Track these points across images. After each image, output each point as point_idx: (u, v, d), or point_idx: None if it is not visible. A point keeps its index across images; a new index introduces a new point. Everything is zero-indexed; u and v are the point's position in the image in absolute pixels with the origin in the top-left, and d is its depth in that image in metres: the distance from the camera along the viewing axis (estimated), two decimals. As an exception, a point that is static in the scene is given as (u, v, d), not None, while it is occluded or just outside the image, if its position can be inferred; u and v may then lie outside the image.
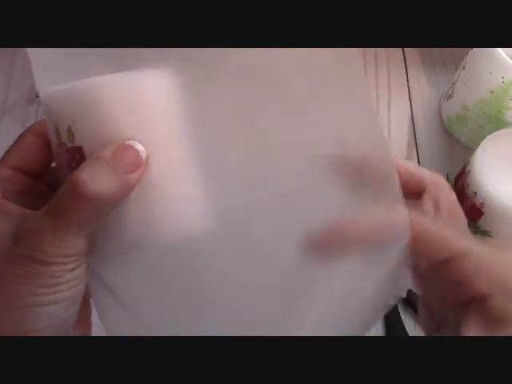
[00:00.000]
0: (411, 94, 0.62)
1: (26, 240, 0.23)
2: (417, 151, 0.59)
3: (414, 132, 0.60)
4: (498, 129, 0.49)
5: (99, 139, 0.24)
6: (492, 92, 0.49)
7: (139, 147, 0.24)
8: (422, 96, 0.62)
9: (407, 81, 0.63)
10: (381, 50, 0.66)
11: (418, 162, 0.58)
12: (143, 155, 0.24)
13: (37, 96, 0.61)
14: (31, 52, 0.27)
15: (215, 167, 0.26)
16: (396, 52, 0.66)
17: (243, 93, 0.26)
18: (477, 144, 0.48)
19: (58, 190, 0.27)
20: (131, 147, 0.24)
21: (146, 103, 0.25)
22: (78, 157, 0.24)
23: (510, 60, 0.46)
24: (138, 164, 0.24)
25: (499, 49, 0.46)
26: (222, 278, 0.27)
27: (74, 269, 0.24)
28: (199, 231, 0.26)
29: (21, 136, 0.28)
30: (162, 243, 0.25)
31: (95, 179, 0.23)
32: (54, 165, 0.29)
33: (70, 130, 0.24)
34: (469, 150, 0.56)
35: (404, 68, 0.64)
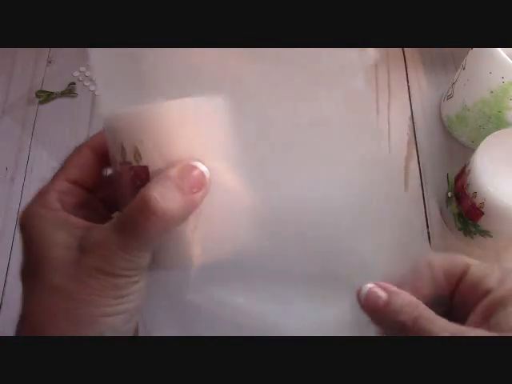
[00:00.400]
0: (411, 94, 0.62)
1: (95, 253, 0.24)
2: (417, 151, 0.59)
3: (414, 132, 0.60)
4: (497, 129, 0.49)
5: (165, 159, 0.25)
6: (492, 92, 0.49)
7: (203, 168, 0.25)
8: (421, 96, 0.62)
9: (407, 81, 0.63)
10: (381, 50, 0.66)
11: (418, 162, 0.58)
12: (207, 175, 0.25)
13: (37, 96, 0.61)
14: (98, 74, 0.29)
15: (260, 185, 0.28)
16: (396, 52, 0.66)
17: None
18: (477, 144, 0.48)
19: (110, 203, 0.29)
20: (196, 167, 0.25)
21: (209, 126, 0.27)
22: (143, 176, 0.26)
23: (510, 60, 0.46)
24: (203, 183, 0.25)
25: (499, 49, 0.46)
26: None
27: (137, 281, 0.26)
28: (249, 246, 0.28)
29: (78, 149, 0.30)
30: (220, 258, 0.27)
31: (165, 197, 0.24)
32: (107, 176, 0.30)
33: (137, 150, 0.26)
34: (469, 149, 0.56)
35: (404, 68, 0.64)
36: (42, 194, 0.28)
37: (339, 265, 0.30)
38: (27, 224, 0.26)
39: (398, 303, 0.26)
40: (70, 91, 0.62)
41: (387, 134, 0.60)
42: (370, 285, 0.27)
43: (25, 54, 0.65)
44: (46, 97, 0.62)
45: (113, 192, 0.29)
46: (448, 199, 0.52)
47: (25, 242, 0.26)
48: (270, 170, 0.29)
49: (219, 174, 0.26)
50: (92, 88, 0.63)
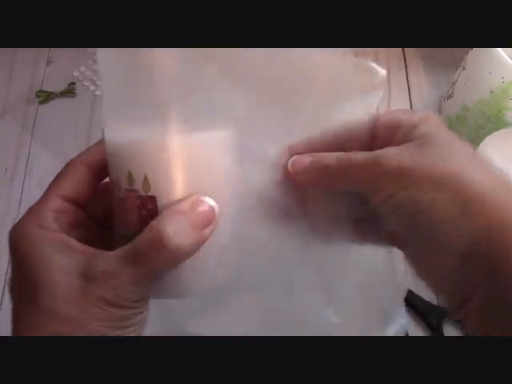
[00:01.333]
0: (411, 94, 0.62)
1: (103, 283, 0.24)
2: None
3: (414, 132, 0.60)
4: (497, 129, 0.49)
5: (174, 192, 0.26)
6: (492, 92, 0.49)
7: (212, 203, 0.26)
8: (422, 96, 0.62)
9: (407, 81, 0.63)
10: (381, 50, 0.66)
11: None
12: (216, 210, 0.26)
13: (37, 96, 0.62)
14: (106, 100, 0.28)
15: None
16: (396, 52, 0.66)
17: None
18: (477, 144, 0.48)
19: (99, 220, 0.29)
20: (206, 203, 0.26)
21: (218, 162, 0.27)
22: (150, 206, 0.26)
23: (510, 60, 0.46)
24: (212, 219, 0.26)
25: (499, 49, 0.46)
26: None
27: (142, 312, 0.26)
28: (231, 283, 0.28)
29: (71, 165, 0.29)
30: (210, 292, 0.28)
31: (178, 233, 0.24)
32: (99, 192, 0.30)
33: (146, 179, 0.26)
34: (469, 149, 0.56)
35: (404, 68, 0.64)
36: (36, 212, 0.27)
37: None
38: (23, 244, 0.25)
39: (321, 155, 0.28)
40: (70, 91, 0.62)
41: (387, 134, 0.60)
42: (293, 158, 0.29)
43: (25, 54, 0.65)
44: (45, 97, 0.62)
45: (103, 209, 0.29)
46: (448, 199, 0.52)
47: (17, 261, 0.25)
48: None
49: (227, 207, 0.27)
50: (92, 88, 0.63)
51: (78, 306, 0.24)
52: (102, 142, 0.28)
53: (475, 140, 0.55)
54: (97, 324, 0.24)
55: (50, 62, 0.65)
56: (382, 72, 0.30)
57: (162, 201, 0.26)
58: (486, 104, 0.51)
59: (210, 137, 0.27)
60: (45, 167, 0.58)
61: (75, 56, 0.64)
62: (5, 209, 0.55)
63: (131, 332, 0.25)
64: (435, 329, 0.48)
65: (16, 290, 0.26)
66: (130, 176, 0.26)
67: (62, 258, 0.25)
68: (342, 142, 0.28)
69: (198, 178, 0.26)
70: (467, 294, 0.25)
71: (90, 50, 0.65)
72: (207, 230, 0.25)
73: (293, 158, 0.29)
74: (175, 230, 0.24)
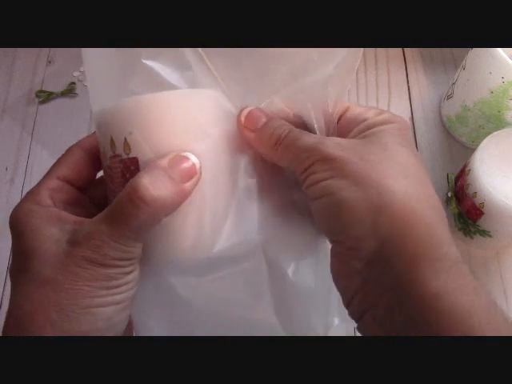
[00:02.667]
0: (411, 94, 0.62)
1: (84, 243, 0.24)
2: (417, 151, 0.59)
3: (414, 132, 0.60)
4: (497, 129, 0.49)
5: (155, 150, 0.25)
6: (492, 92, 0.49)
7: (194, 159, 0.25)
8: (421, 96, 0.62)
9: (407, 81, 0.63)
10: (381, 50, 0.66)
11: (418, 162, 0.58)
12: (197, 166, 0.26)
13: (37, 96, 0.62)
14: (89, 72, 0.29)
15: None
16: (396, 52, 0.66)
17: None
18: (477, 144, 0.48)
19: (100, 203, 0.29)
20: (186, 158, 0.25)
21: (198, 118, 0.27)
22: (132, 168, 0.26)
23: (510, 60, 0.46)
24: (193, 173, 0.25)
25: (499, 49, 0.46)
26: None
27: (130, 272, 0.26)
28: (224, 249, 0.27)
29: (69, 149, 0.30)
30: (210, 252, 0.27)
31: (155, 185, 0.24)
32: (99, 177, 0.31)
33: (126, 141, 0.26)
34: (469, 149, 0.56)
35: (404, 68, 0.64)
36: (33, 192, 0.28)
37: None
38: (19, 220, 0.27)
39: (276, 123, 0.28)
40: (70, 91, 0.62)
41: (387, 134, 0.60)
42: (251, 108, 0.28)
43: (25, 54, 0.65)
44: (45, 97, 0.62)
45: (104, 192, 0.29)
46: (448, 199, 0.52)
47: (15, 237, 0.26)
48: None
49: (211, 164, 0.26)
50: (92, 88, 0.63)
51: (62, 268, 0.24)
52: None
53: (475, 140, 0.55)
54: (82, 284, 0.24)
55: (49, 62, 0.65)
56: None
57: (143, 161, 0.26)
58: (486, 104, 0.51)
59: (187, 92, 0.27)
60: (45, 167, 0.57)
61: (75, 56, 0.64)
62: (5, 209, 0.55)
63: (120, 293, 0.25)
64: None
65: (12, 264, 0.26)
66: (112, 142, 0.26)
67: (53, 229, 0.25)
68: (304, 117, 0.29)
69: (176, 135, 0.26)
70: (371, 300, 0.24)
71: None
72: (188, 184, 0.25)
73: (248, 110, 0.28)
74: (152, 182, 0.24)
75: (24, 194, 0.55)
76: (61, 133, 0.60)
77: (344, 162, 0.25)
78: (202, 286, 0.29)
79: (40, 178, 0.58)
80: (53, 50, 0.65)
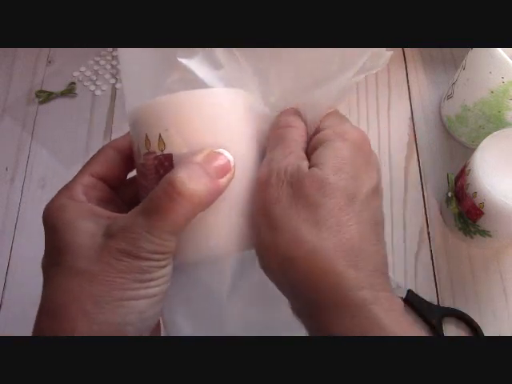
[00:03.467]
0: (411, 94, 0.62)
1: (119, 236, 0.24)
2: (417, 151, 0.59)
3: (414, 132, 0.60)
4: (497, 129, 0.49)
5: (189, 147, 0.26)
6: (492, 92, 0.49)
7: (228, 155, 0.26)
8: (421, 96, 0.62)
9: (407, 81, 0.63)
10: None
11: (418, 162, 0.58)
12: (232, 162, 0.26)
13: (37, 96, 0.62)
14: (124, 72, 0.29)
15: None
16: (396, 52, 0.66)
17: None
18: (477, 144, 0.48)
19: (131, 202, 0.29)
20: (221, 154, 0.26)
21: (231, 117, 0.27)
22: (166, 164, 0.26)
23: (510, 60, 0.46)
24: (227, 170, 0.26)
25: (499, 49, 0.46)
26: None
27: (164, 266, 0.26)
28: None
29: (101, 149, 0.30)
30: (245, 249, 0.27)
31: (191, 178, 0.24)
32: (131, 178, 0.31)
33: (160, 138, 0.26)
34: (469, 149, 0.56)
35: (404, 68, 0.64)
36: (67, 188, 0.28)
37: None
38: (52, 214, 0.27)
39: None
40: (70, 91, 0.62)
41: (387, 134, 0.60)
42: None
43: (25, 54, 0.65)
44: (45, 97, 0.62)
45: (135, 193, 0.30)
46: (448, 199, 0.52)
47: (49, 232, 0.26)
48: None
49: (243, 162, 0.27)
50: (92, 88, 0.63)
51: (97, 260, 0.24)
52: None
53: (475, 140, 0.55)
54: (116, 275, 0.24)
55: (49, 62, 0.65)
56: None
57: (177, 157, 0.26)
58: (486, 104, 0.51)
59: (221, 91, 0.28)
60: (45, 167, 0.58)
61: (75, 56, 0.64)
62: (5, 209, 0.55)
63: (153, 287, 0.25)
64: (435, 329, 0.48)
65: (45, 259, 0.26)
66: (146, 139, 0.27)
67: (87, 223, 0.25)
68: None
69: (210, 133, 0.27)
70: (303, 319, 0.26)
71: (91, 49, 0.65)
72: (223, 180, 0.25)
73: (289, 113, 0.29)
74: (189, 176, 0.24)
75: (24, 193, 0.56)
76: (61, 133, 0.60)
77: (273, 201, 0.25)
78: (237, 283, 0.29)
79: (40, 178, 0.58)
80: (53, 49, 0.65)
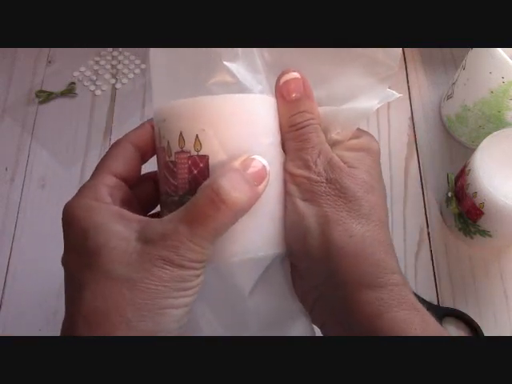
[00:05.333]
0: (411, 94, 0.62)
1: (160, 243, 0.24)
2: (417, 151, 0.59)
3: (414, 132, 0.60)
4: (497, 129, 0.49)
5: (226, 150, 0.26)
6: (492, 92, 0.49)
7: (263, 161, 0.26)
8: (421, 96, 0.62)
9: (407, 81, 0.63)
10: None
11: (418, 162, 0.58)
12: (267, 168, 0.26)
13: (37, 96, 0.61)
14: (155, 68, 0.29)
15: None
16: (396, 52, 0.66)
17: None
18: (477, 144, 0.48)
19: (144, 200, 0.30)
20: (257, 160, 0.26)
21: (267, 123, 0.28)
22: (201, 165, 0.26)
23: (510, 60, 0.46)
24: (264, 176, 0.26)
25: (499, 49, 0.46)
26: None
27: (200, 274, 0.26)
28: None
29: (119, 144, 0.29)
30: (263, 255, 0.28)
31: (235, 187, 0.25)
32: (144, 174, 0.31)
33: (197, 138, 0.26)
34: (469, 149, 0.56)
35: (404, 68, 0.64)
36: (90, 188, 0.27)
37: None
38: (78, 216, 0.26)
39: (303, 107, 0.29)
40: (70, 91, 0.62)
41: (387, 134, 0.60)
42: (295, 75, 0.29)
43: (25, 54, 0.65)
44: (46, 97, 0.62)
45: (148, 190, 0.30)
46: (448, 199, 0.52)
47: (76, 232, 0.25)
48: None
49: (275, 166, 0.28)
50: (92, 88, 0.63)
51: (138, 267, 0.24)
52: (143, 124, 0.30)
53: (475, 140, 0.55)
54: (158, 283, 0.24)
55: (49, 62, 0.65)
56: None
57: (213, 159, 0.26)
58: (486, 104, 0.51)
59: (255, 99, 0.28)
60: (45, 167, 0.58)
61: (75, 56, 0.64)
62: (5, 208, 0.55)
63: (190, 295, 0.25)
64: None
65: (73, 260, 0.26)
66: (181, 137, 0.27)
67: (118, 226, 0.25)
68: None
69: (248, 137, 0.27)
70: (326, 314, 0.28)
71: (91, 49, 0.65)
72: (261, 187, 0.26)
73: (291, 77, 0.29)
74: (232, 184, 0.25)
75: (24, 193, 0.56)
76: (61, 133, 0.60)
77: (324, 193, 0.27)
78: (260, 284, 0.29)
79: (40, 178, 0.58)
80: (53, 49, 0.65)
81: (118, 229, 0.25)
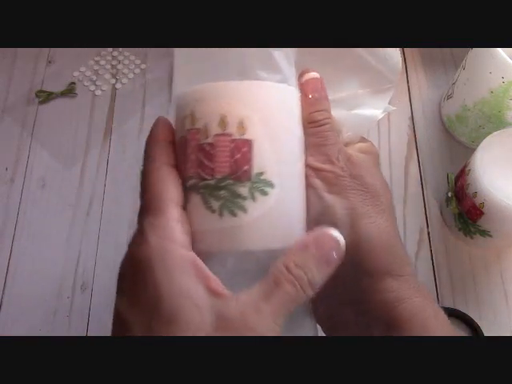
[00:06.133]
0: (411, 94, 0.62)
1: (239, 323, 0.24)
2: (417, 151, 0.59)
3: (414, 132, 0.60)
4: (497, 129, 0.49)
5: (270, 136, 0.26)
6: (492, 92, 0.49)
7: (339, 237, 0.26)
8: (421, 96, 0.62)
9: (407, 81, 0.63)
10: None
11: (418, 162, 0.58)
12: (341, 242, 0.26)
13: (37, 96, 0.61)
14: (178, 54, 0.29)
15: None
16: (396, 52, 0.66)
17: None
18: (477, 144, 0.48)
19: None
20: (334, 239, 0.26)
21: (298, 114, 0.28)
22: (245, 150, 0.26)
23: (510, 60, 0.46)
24: (339, 257, 0.26)
25: (499, 49, 0.46)
26: None
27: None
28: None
29: (158, 170, 0.27)
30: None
31: (315, 272, 0.25)
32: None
33: (242, 121, 0.26)
34: (469, 149, 0.56)
35: (404, 68, 0.64)
36: (161, 225, 0.25)
37: None
38: (152, 261, 0.24)
39: (321, 106, 0.29)
40: (70, 91, 0.62)
41: (387, 134, 0.60)
42: (314, 75, 0.30)
43: (25, 54, 0.65)
44: (45, 97, 0.62)
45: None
46: (448, 199, 0.52)
47: (146, 283, 0.24)
48: None
49: (303, 161, 0.28)
50: (92, 88, 0.63)
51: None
52: (159, 141, 0.27)
53: (475, 140, 0.55)
54: None
55: (50, 62, 0.65)
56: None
57: (257, 145, 0.26)
58: (486, 104, 0.51)
59: (294, 91, 0.29)
60: (45, 167, 0.58)
61: (75, 56, 0.64)
62: (5, 209, 0.55)
63: None
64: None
65: (138, 314, 0.24)
66: (222, 119, 0.26)
67: (193, 287, 0.24)
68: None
69: (290, 126, 0.27)
70: (335, 309, 0.30)
71: (91, 49, 0.65)
72: (330, 269, 0.26)
73: (311, 77, 0.29)
74: (312, 268, 0.25)
75: (24, 193, 0.56)
76: (61, 133, 0.60)
77: (349, 187, 0.28)
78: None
79: (40, 178, 0.58)
80: (53, 49, 0.65)
81: (193, 292, 0.24)
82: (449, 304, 0.50)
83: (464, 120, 0.56)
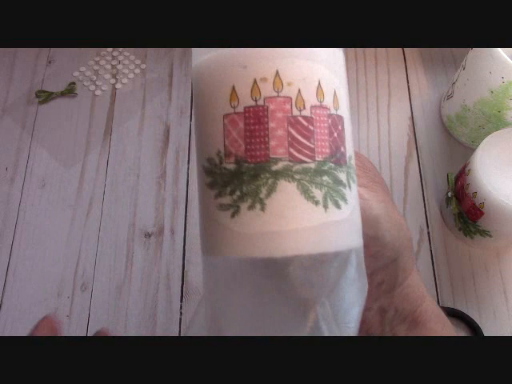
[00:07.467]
0: (411, 94, 0.63)
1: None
2: (417, 151, 0.59)
3: (414, 132, 0.60)
4: (497, 129, 0.49)
5: (348, 112, 0.23)
6: (492, 92, 0.49)
7: None
8: (421, 96, 0.62)
9: (407, 81, 0.63)
10: (381, 50, 0.66)
11: (418, 162, 0.58)
12: None
13: (37, 96, 0.62)
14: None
15: None
16: (396, 52, 0.66)
17: None
18: (477, 144, 0.48)
19: None
20: None
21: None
22: (339, 128, 0.22)
23: (510, 60, 0.46)
24: None
25: (499, 49, 0.46)
26: None
27: None
28: None
29: None
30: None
31: None
32: None
33: (336, 95, 0.22)
34: (469, 149, 0.57)
35: (404, 68, 0.64)
36: None
37: None
38: None
39: None
40: (69, 91, 0.62)
41: (387, 134, 0.60)
42: None
43: (25, 54, 0.65)
44: (46, 97, 0.62)
45: None
46: (448, 199, 0.52)
47: None
48: None
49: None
50: (92, 88, 0.63)
51: None
52: None
53: (475, 140, 0.55)
54: None
55: (50, 62, 0.65)
56: None
57: (346, 122, 0.22)
58: (486, 104, 0.51)
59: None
60: (45, 167, 0.58)
61: (75, 56, 0.64)
62: (5, 209, 0.55)
63: None
64: (435, 329, 0.48)
65: None
66: (319, 89, 0.21)
67: None
68: None
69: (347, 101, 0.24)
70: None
71: (91, 49, 0.65)
72: None
73: None
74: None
75: (24, 193, 0.56)
76: (61, 133, 0.60)
77: (373, 180, 0.28)
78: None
79: (40, 178, 0.58)
80: (53, 49, 0.66)
81: None
82: (449, 304, 0.50)
83: (464, 120, 0.56)
